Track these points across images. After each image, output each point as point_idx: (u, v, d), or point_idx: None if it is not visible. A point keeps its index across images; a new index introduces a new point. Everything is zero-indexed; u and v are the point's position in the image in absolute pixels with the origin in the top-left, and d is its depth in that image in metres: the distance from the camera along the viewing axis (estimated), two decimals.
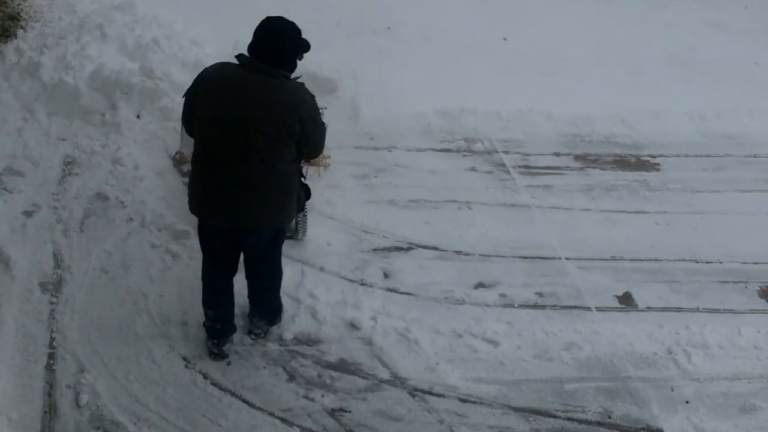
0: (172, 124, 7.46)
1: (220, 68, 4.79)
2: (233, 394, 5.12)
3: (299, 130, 4.70)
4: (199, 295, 5.36)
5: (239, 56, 4.72)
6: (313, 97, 4.81)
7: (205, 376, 5.21)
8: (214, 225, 5.01)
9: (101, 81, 7.66)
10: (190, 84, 4.89)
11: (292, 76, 4.88)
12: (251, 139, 4.63)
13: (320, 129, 4.95)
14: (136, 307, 5.65)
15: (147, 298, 5.71)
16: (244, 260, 5.27)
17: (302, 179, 5.15)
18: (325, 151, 5.63)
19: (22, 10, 9.06)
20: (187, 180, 6.77)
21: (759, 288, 6.40)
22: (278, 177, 4.78)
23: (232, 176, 4.73)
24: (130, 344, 5.38)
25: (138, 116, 7.53)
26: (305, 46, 4.85)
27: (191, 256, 5.99)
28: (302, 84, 4.86)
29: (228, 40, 8.63)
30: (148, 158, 7.09)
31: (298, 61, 4.89)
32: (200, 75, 4.83)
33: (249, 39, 8.52)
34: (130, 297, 5.73)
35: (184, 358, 5.32)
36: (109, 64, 7.83)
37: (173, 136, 7.30)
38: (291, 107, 4.64)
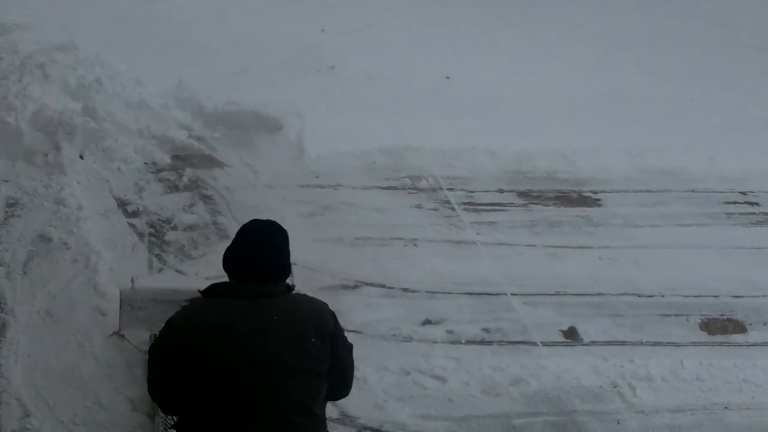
0: (116, 165, 7.43)
1: (200, 311, 3.63)
2: None
3: (331, 351, 3.59)
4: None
5: (221, 285, 3.66)
6: (327, 306, 3.79)
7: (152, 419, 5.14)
8: None
9: (44, 121, 7.60)
10: (157, 342, 3.71)
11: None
12: (285, 385, 3.47)
13: (349, 351, 3.81)
14: (81, 350, 5.56)
15: (92, 341, 5.62)
16: None
17: None
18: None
19: None
20: (132, 221, 6.80)
21: (700, 320, 6.53)
22: (319, 427, 3.62)
23: None
24: (75, 387, 5.29)
25: (81, 156, 7.47)
26: None
27: None
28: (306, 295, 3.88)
29: (171, 80, 8.68)
30: (91, 199, 7.03)
31: None
32: (172, 329, 3.61)
33: (194, 79, 8.57)
34: (74, 339, 5.63)
35: (131, 401, 5.24)
36: (52, 104, 7.78)
37: (117, 176, 7.30)
38: (315, 324, 3.58)
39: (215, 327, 3.48)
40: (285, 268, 3.70)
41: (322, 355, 3.54)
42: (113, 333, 5.62)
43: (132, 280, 5.58)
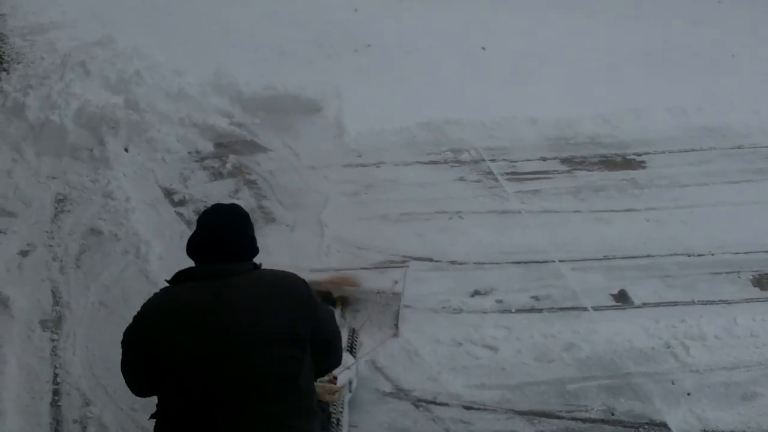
0: (160, 155, 7.53)
1: (169, 297, 3.65)
2: None
3: (310, 320, 3.59)
4: None
5: (186, 271, 3.68)
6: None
7: None
8: None
9: (87, 117, 7.73)
10: (129, 330, 3.74)
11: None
12: (263, 356, 3.44)
13: (330, 315, 3.83)
14: None
15: None
16: None
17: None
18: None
19: (3, 52, 9.15)
20: (179, 210, 6.90)
21: (752, 277, 6.46)
22: (306, 400, 3.59)
23: (252, 424, 3.44)
24: None
25: (126, 149, 7.59)
26: None
27: None
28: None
29: (209, 67, 8.76)
30: (138, 190, 7.14)
31: None
32: (143, 316, 3.65)
33: (232, 66, 8.65)
34: None
35: None
36: (94, 99, 7.91)
37: (162, 167, 7.41)
38: (294, 292, 3.61)
39: (186, 309, 3.50)
40: (248, 248, 3.73)
41: (299, 323, 3.53)
42: None
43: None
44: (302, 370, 3.52)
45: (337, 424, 4.69)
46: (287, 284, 3.63)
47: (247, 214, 3.87)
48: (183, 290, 3.59)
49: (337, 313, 5.42)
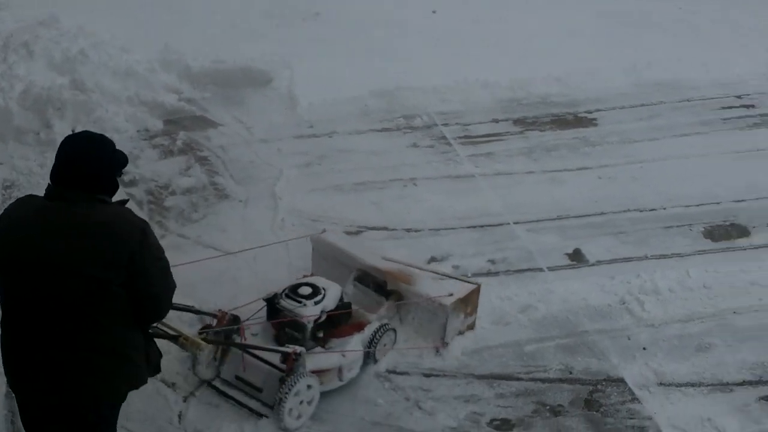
0: (108, 135, 7.38)
1: (21, 204, 3.74)
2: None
3: (127, 267, 3.57)
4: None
5: (47, 187, 3.69)
6: (147, 224, 3.71)
7: (168, 385, 5.19)
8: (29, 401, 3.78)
9: (32, 99, 7.60)
10: None
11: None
12: (64, 284, 3.53)
13: (161, 266, 3.74)
14: None
15: None
16: None
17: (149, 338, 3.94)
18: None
19: None
20: (129, 191, 6.83)
21: (703, 229, 6.55)
22: (102, 336, 3.64)
23: (42, 338, 3.59)
24: None
25: (73, 131, 7.47)
26: (123, 162, 3.82)
27: None
28: (128, 208, 3.77)
29: (157, 44, 8.65)
30: None
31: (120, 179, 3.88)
32: None
33: (180, 41, 8.53)
34: None
35: None
36: (39, 81, 7.78)
37: None
38: (115, 236, 3.56)
39: (18, 220, 3.63)
40: (95, 179, 3.67)
41: (109, 266, 3.54)
42: (303, 275, 5.51)
43: (323, 230, 5.77)
44: (104, 307, 3.59)
45: (279, 402, 4.66)
46: (113, 227, 3.60)
47: (108, 147, 3.76)
48: (33, 202, 3.69)
49: (388, 305, 5.33)
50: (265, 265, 5.97)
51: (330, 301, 5.02)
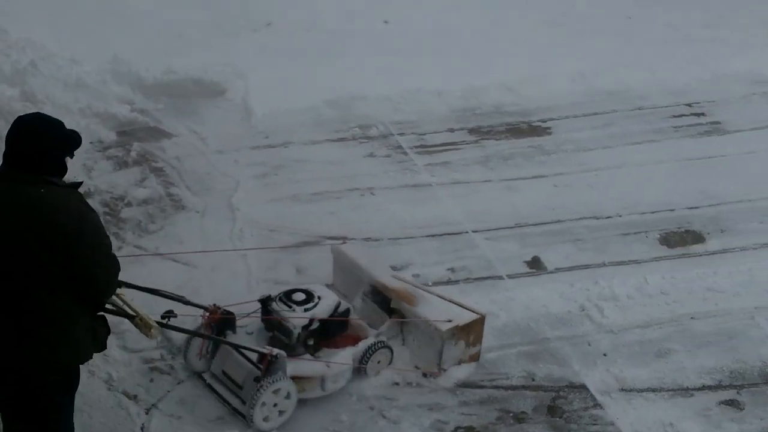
0: None
1: None
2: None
3: (63, 248, 3.66)
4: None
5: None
6: (89, 207, 3.82)
7: (130, 397, 5.11)
8: None
9: None
10: None
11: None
12: (9, 261, 3.68)
13: (99, 249, 3.82)
14: None
15: None
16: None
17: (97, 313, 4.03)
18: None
19: None
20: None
21: (659, 235, 6.63)
22: (44, 309, 3.77)
23: None
24: None
25: None
26: (74, 141, 3.87)
27: None
28: (75, 191, 3.84)
29: (106, 55, 8.53)
30: None
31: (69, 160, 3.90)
32: None
33: (128, 52, 8.41)
34: None
35: (105, 381, 5.21)
36: None
37: None
38: (52, 218, 3.65)
39: None
40: (43, 156, 3.72)
41: (50, 246, 3.65)
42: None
43: (343, 241, 5.82)
44: (43, 284, 3.71)
45: (250, 402, 4.68)
46: (50, 210, 3.68)
47: (53, 130, 3.81)
48: None
49: (389, 323, 5.28)
50: (224, 276, 5.93)
51: (322, 310, 5.04)
